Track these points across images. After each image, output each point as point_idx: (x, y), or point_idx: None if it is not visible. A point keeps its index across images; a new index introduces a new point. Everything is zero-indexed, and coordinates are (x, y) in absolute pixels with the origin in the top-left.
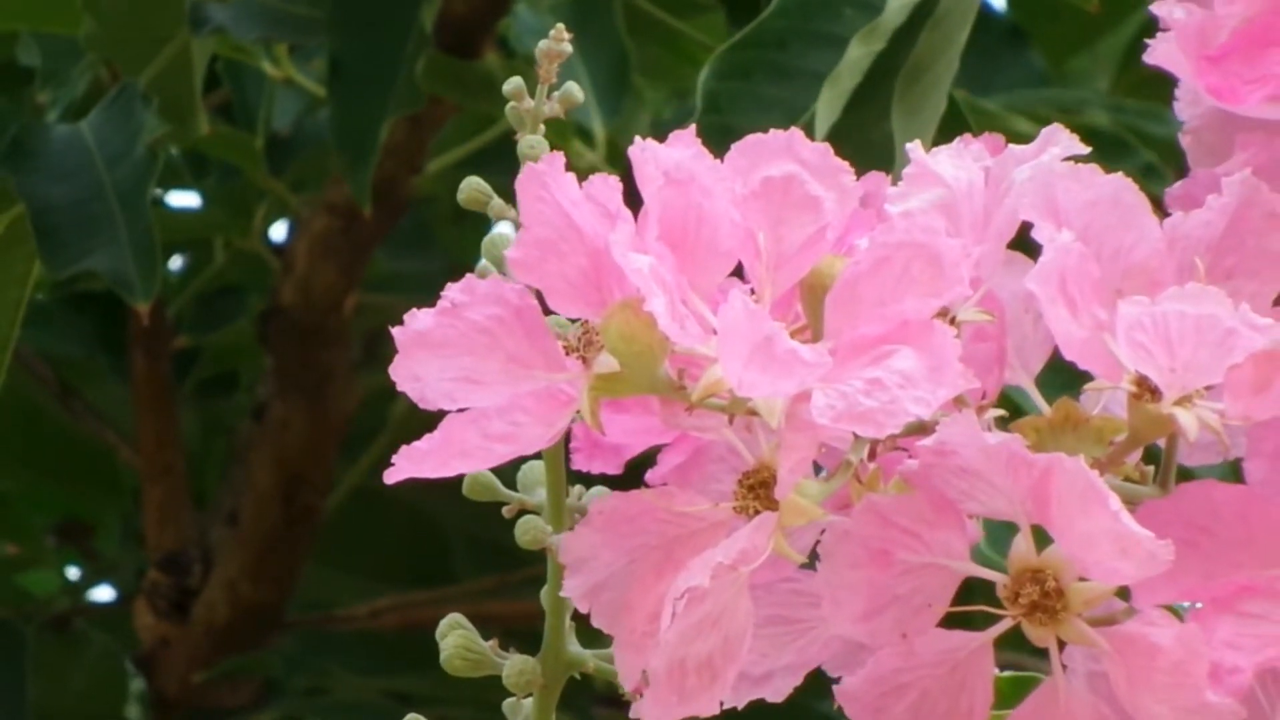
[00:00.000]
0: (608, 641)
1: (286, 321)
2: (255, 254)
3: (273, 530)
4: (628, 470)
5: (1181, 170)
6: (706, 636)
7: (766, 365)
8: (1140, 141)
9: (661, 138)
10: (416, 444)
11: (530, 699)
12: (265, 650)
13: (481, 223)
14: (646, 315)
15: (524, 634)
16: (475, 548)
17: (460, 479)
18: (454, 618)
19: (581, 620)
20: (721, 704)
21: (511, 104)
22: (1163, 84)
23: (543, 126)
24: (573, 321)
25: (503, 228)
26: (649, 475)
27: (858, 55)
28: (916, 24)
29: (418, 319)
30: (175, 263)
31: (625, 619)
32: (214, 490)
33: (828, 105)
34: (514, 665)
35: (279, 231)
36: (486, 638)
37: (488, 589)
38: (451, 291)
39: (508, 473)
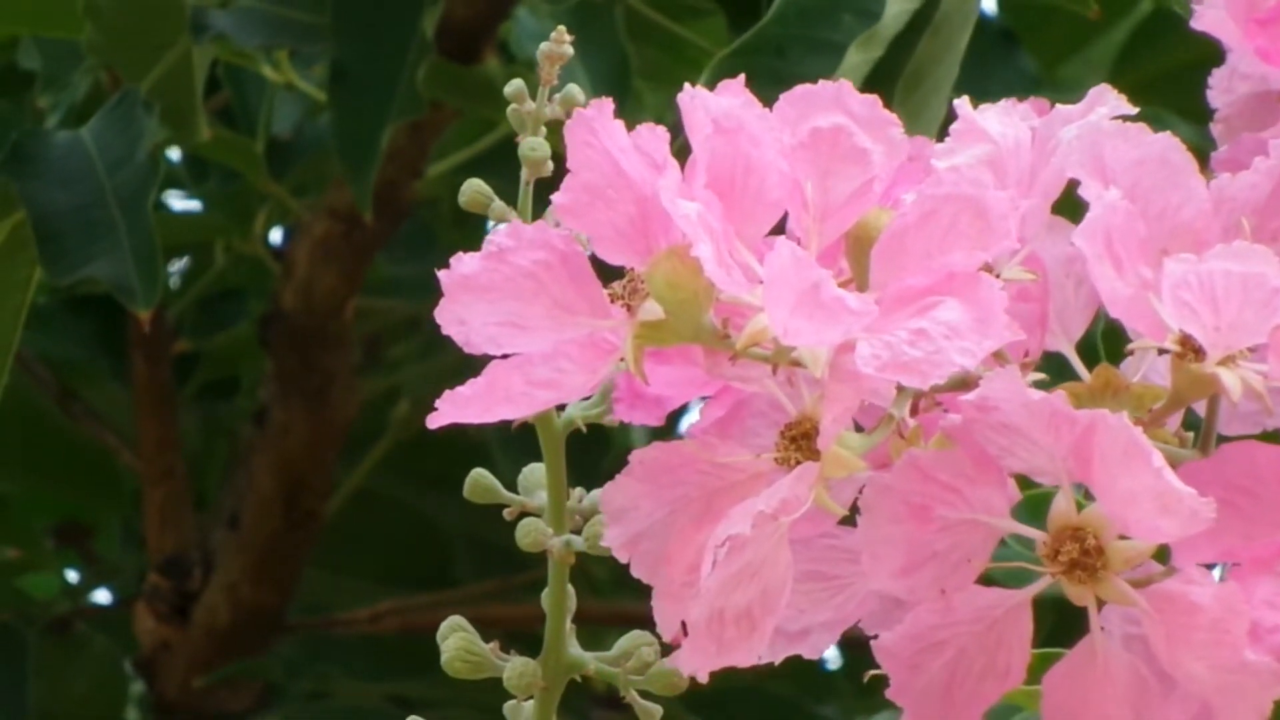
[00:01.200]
0: (609, 644)
1: (287, 326)
2: (256, 258)
3: (274, 534)
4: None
5: None
6: (746, 587)
7: (813, 312)
8: None
9: None
10: (460, 389)
11: (531, 701)
12: (266, 654)
13: (483, 226)
14: (693, 262)
15: (525, 637)
16: (476, 551)
17: (460, 481)
18: (455, 620)
19: (581, 622)
20: (760, 657)
21: (513, 106)
22: (1154, 90)
23: (544, 129)
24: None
25: None
26: (690, 427)
27: (856, 62)
28: (916, 30)
29: (464, 263)
30: (175, 266)
31: (664, 569)
32: (214, 493)
33: None
34: (514, 667)
35: (279, 235)
36: (487, 641)
37: (489, 592)
38: (498, 236)
39: (509, 475)
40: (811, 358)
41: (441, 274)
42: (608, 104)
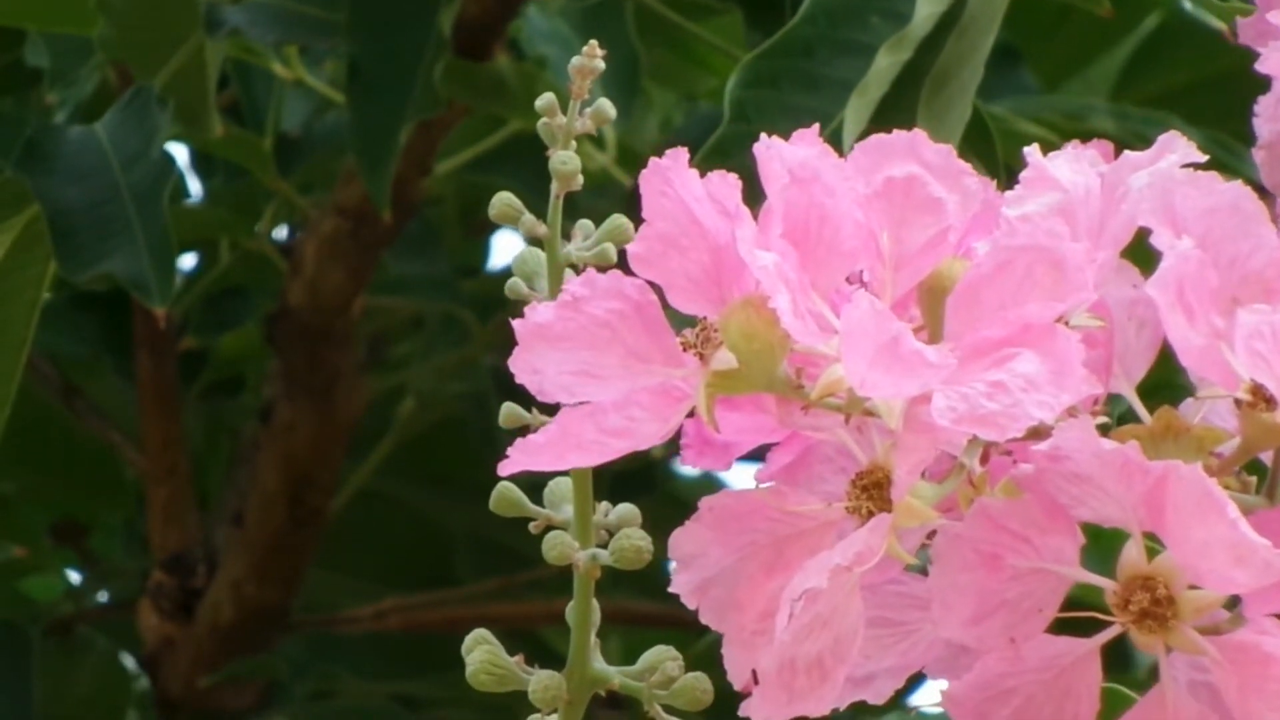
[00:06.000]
0: (611, 644)
1: (294, 323)
2: (262, 255)
3: (278, 531)
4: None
5: None
6: (817, 636)
7: (891, 365)
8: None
9: (671, 141)
10: (532, 437)
11: (554, 716)
12: (270, 652)
13: (487, 225)
14: (768, 313)
15: (526, 636)
16: (479, 550)
17: (467, 483)
18: (480, 633)
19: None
20: None
21: (543, 120)
22: (1157, 109)
23: (574, 142)
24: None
25: (517, 241)
26: (757, 473)
27: (886, 64)
28: (942, 31)
29: (538, 312)
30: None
31: (734, 616)
32: (217, 491)
33: (856, 114)
34: (539, 681)
35: (284, 233)
36: None
37: (491, 591)
38: (573, 285)
39: (520, 482)
40: (887, 409)
41: (516, 323)
42: (682, 153)
